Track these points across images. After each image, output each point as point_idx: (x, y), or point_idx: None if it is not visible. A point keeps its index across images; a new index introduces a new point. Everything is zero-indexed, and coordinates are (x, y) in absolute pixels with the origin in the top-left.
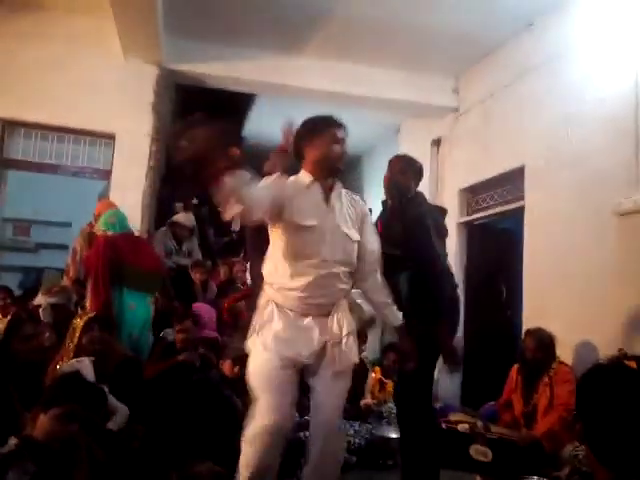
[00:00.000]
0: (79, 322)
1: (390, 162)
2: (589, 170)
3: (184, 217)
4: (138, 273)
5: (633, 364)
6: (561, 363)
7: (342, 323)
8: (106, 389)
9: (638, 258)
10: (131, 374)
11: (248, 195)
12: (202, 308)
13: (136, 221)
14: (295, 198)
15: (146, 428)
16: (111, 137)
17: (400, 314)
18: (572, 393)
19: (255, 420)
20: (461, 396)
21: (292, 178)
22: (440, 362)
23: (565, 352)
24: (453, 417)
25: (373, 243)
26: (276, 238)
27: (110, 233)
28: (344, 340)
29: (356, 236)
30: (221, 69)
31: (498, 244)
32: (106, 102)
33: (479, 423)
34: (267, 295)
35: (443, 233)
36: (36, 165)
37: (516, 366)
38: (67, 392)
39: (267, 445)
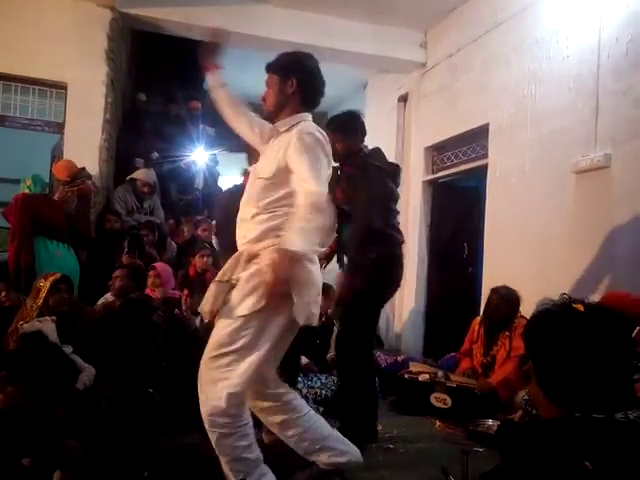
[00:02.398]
0: (45, 283)
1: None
2: (550, 128)
3: (145, 173)
4: (55, 226)
5: (581, 307)
6: (522, 317)
7: None
8: (70, 349)
9: (594, 214)
10: (98, 334)
11: None
12: (159, 267)
13: (93, 178)
14: None
15: (112, 387)
16: (63, 87)
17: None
18: None
19: None
20: (423, 348)
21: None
22: (404, 317)
23: (525, 306)
24: (414, 368)
25: None
26: None
27: (28, 192)
28: None
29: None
30: (180, 15)
31: (462, 202)
32: (56, 48)
33: (439, 372)
34: None
35: (396, 196)
36: None
37: (478, 318)
38: (29, 353)
39: None
